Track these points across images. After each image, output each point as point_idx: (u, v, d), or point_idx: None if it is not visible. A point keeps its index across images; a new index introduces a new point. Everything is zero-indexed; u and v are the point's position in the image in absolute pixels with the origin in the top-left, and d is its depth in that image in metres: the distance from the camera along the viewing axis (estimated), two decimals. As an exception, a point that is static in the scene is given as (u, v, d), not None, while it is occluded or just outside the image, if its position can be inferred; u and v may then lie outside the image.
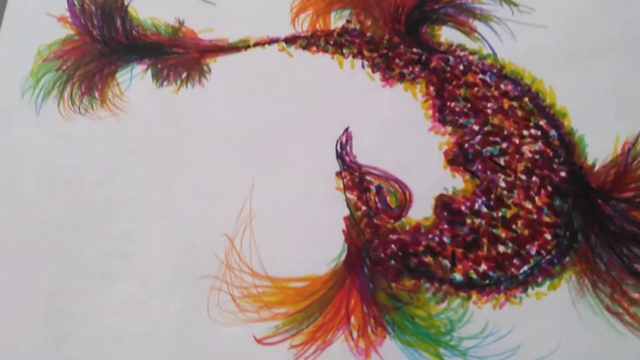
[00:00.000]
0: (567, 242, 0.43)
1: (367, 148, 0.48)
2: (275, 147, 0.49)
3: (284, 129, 0.49)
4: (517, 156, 0.46)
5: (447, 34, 0.52)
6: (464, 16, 0.52)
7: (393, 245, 0.45)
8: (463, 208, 0.45)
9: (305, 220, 0.46)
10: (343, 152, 0.48)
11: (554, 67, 0.49)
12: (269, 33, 0.53)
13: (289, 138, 0.49)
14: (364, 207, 0.46)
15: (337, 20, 0.53)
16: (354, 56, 0.51)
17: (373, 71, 0.51)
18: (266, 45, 0.52)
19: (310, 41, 0.52)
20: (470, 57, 0.51)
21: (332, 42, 0.52)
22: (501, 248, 0.44)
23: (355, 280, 0.43)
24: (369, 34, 0.52)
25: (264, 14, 0.53)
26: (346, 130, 0.49)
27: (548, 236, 0.44)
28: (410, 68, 0.51)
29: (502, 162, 0.46)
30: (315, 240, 0.45)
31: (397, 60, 0.51)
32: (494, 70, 0.50)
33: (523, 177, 0.46)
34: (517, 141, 0.47)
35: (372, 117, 0.49)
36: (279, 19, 0.53)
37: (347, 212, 0.46)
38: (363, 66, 0.51)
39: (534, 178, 0.45)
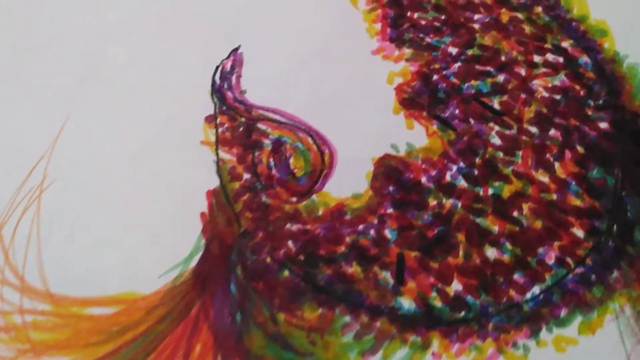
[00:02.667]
0: (614, 243, 0.34)
1: (268, 80, 0.38)
2: (108, 74, 0.38)
3: (127, 46, 0.39)
4: (522, 96, 0.37)
5: None
6: None
7: (291, 243, 0.34)
8: (424, 179, 0.36)
9: (134, 197, 0.35)
10: (223, 85, 0.37)
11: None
12: None
13: (133, 60, 0.38)
14: (247, 175, 0.35)
15: None
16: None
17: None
18: None
19: None
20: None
21: None
22: (490, 252, 0.34)
23: (209, 306, 0.32)
24: None
25: None
26: (234, 51, 0.38)
27: (579, 232, 0.34)
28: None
29: (496, 104, 0.37)
30: (147, 232, 0.34)
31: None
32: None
33: (533, 129, 0.37)
34: (522, 72, 0.38)
35: (281, 32, 0.39)
36: None
37: (215, 182, 0.35)
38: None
39: (552, 131, 0.36)
